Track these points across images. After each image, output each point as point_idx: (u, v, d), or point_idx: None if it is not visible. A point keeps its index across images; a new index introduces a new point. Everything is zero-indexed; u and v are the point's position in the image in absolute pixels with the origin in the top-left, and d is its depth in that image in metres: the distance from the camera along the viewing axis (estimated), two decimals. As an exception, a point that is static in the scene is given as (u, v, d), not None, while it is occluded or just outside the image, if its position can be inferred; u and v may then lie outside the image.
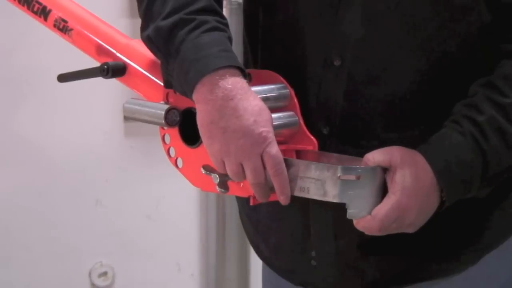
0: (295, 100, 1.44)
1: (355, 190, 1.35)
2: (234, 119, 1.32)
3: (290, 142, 1.45)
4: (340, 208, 1.39)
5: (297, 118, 1.44)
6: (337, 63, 1.46)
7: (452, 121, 1.40)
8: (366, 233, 1.39)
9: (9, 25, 2.90)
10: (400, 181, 1.35)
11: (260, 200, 1.39)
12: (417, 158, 1.38)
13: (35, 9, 1.69)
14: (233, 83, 1.33)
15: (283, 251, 1.62)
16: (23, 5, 1.71)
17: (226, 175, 1.39)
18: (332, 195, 1.35)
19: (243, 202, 1.66)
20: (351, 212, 1.36)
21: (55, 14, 1.66)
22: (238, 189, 1.41)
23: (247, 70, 1.47)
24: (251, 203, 1.45)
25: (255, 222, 1.66)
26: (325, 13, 1.46)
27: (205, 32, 1.36)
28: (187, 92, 1.36)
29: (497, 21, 1.41)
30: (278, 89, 1.45)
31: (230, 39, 1.39)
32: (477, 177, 1.39)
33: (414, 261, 1.53)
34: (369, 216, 1.36)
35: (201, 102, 1.34)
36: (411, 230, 1.39)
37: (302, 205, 1.47)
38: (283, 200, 1.37)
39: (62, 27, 1.65)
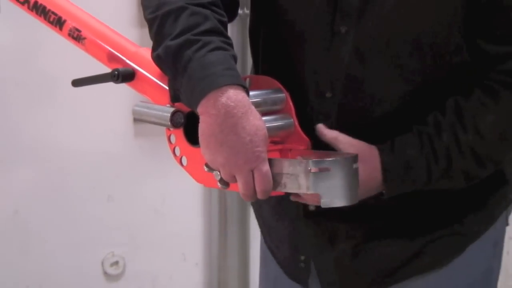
0: (291, 104, 1.44)
1: (326, 181, 1.34)
2: (232, 135, 1.32)
3: (286, 142, 1.44)
4: (334, 219, 1.44)
5: (292, 120, 1.44)
6: (328, 95, 1.48)
7: (418, 133, 1.44)
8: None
9: (27, 34, 2.90)
10: None
11: (247, 201, 1.40)
12: (374, 157, 1.43)
13: (51, 19, 1.68)
14: (235, 100, 1.32)
15: (280, 248, 1.65)
16: (40, 16, 1.70)
17: None
18: (305, 187, 1.34)
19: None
20: (324, 201, 1.35)
21: (69, 24, 1.65)
22: (237, 186, 1.40)
23: (248, 76, 1.47)
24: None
25: (260, 216, 1.68)
26: (319, 45, 1.47)
27: (210, 51, 1.35)
28: (193, 106, 1.36)
29: (475, 61, 1.44)
30: (275, 93, 1.45)
31: (234, 57, 1.38)
32: (418, 187, 1.45)
33: (407, 258, 1.54)
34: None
35: (204, 115, 1.33)
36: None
37: (295, 216, 1.51)
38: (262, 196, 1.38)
39: (76, 36, 1.64)
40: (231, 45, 1.40)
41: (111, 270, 3.32)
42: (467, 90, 1.45)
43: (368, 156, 1.42)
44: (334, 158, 1.35)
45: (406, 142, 1.44)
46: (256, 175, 1.33)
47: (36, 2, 1.71)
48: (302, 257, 1.60)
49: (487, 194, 1.55)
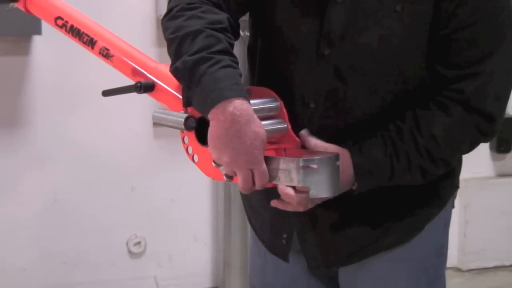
0: (284, 111, 1.43)
1: (314, 176, 1.35)
2: (236, 138, 1.31)
3: (280, 142, 1.44)
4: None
5: (285, 124, 1.44)
6: (312, 105, 1.48)
7: (381, 136, 1.45)
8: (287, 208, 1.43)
9: (65, 52, 2.90)
10: None
11: (245, 193, 1.40)
12: (346, 156, 1.43)
13: (85, 40, 1.67)
14: (241, 110, 1.31)
15: (264, 229, 1.65)
16: (75, 37, 1.69)
17: None
18: (296, 181, 1.35)
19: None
20: (312, 193, 1.36)
21: (100, 44, 1.64)
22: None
23: (249, 87, 1.47)
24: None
25: (249, 204, 1.68)
26: (307, 64, 1.48)
27: (221, 68, 1.35)
28: (204, 112, 1.35)
29: (433, 82, 1.46)
30: (271, 102, 1.45)
31: (240, 74, 1.38)
32: (382, 182, 1.46)
33: (376, 236, 1.54)
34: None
35: (214, 120, 1.33)
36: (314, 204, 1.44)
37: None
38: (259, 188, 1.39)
39: (105, 54, 1.63)
40: (237, 63, 1.40)
41: (134, 249, 3.32)
42: (424, 104, 1.46)
43: (340, 157, 1.41)
44: (321, 157, 1.36)
45: (372, 145, 1.45)
46: (255, 173, 1.34)
47: (72, 26, 1.70)
48: (284, 235, 1.60)
49: (439, 183, 1.56)
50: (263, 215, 1.63)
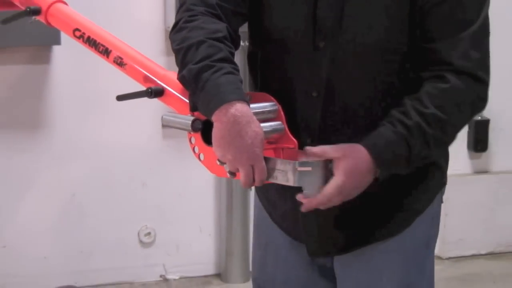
0: (282, 114, 1.43)
1: (308, 177, 1.36)
2: (238, 138, 1.32)
3: (278, 143, 1.44)
4: None
5: (283, 126, 1.43)
6: (314, 94, 1.47)
7: (388, 122, 1.41)
8: (319, 207, 1.39)
9: (82, 61, 2.89)
10: (341, 168, 1.37)
11: (246, 187, 1.40)
12: (358, 149, 1.39)
13: (100, 49, 1.67)
14: (241, 111, 1.32)
15: (285, 219, 1.61)
16: (92, 47, 1.69)
17: None
18: (292, 181, 1.36)
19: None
20: (305, 193, 1.37)
21: (114, 53, 1.64)
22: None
23: (249, 93, 1.47)
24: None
25: (267, 198, 1.65)
26: (305, 57, 1.47)
27: (223, 74, 1.35)
28: (208, 115, 1.35)
29: (417, 62, 1.44)
30: (270, 106, 1.45)
31: (240, 80, 1.38)
32: (403, 163, 1.41)
33: (370, 228, 1.54)
34: (320, 194, 1.37)
35: (217, 121, 1.33)
36: (351, 197, 1.40)
37: (292, 194, 1.47)
38: (258, 184, 1.38)
39: (119, 62, 1.63)
40: (238, 70, 1.39)
41: (145, 239, 3.31)
42: (417, 90, 1.43)
43: (355, 152, 1.38)
44: (315, 161, 1.37)
45: (379, 131, 1.40)
46: (255, 170, 1.34)
47: (89, 37, 1.71)
48: (302, 224, 1.57)
49: (428, 181, 1.55)
50: (281, 206, 1.60)
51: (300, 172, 1.35)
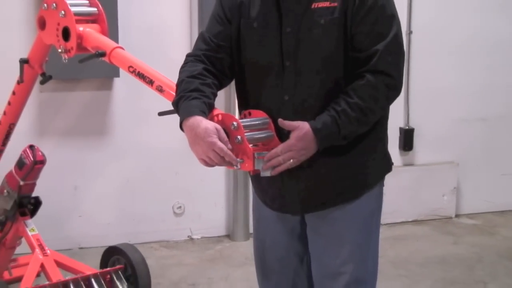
0: (272, 125, 1.43)
1: (262, 163, 1.39)
2: (196, 137, 1.36)
3: (269, 145, 1.43)
4: (303, 179, 1.43)
5: (273, 133, 1.43)
6: (286, 98, 1.46)
7: (327, 109, 1.42)
8: (283, 162, 1.40)
9: (134, 89, 2.87)
10: (293, 135, 1.40)
11: (229, 167, 1.40)
12: (306, 126, 1.40)
13: (147, 80, 1.68)
14: (194, 120, 1.37)
15: (274, 200, 1.58)
16: (141, 79, 1.70)
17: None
18: (252, 165, 1.38)
19: (253, 180, 1.62)
20: (262, 173, 1.39)
21: (156, 83, 1.65)
22: (244, 168, 1.39)
23: (251, 110, 1.46)
24: (252, 174, 1.46)
25: (260, 187, 1.61)
26: (276, 72, 1.46)
27: (191, 99, 1.41)
28: (181, 126, 1.41)
29: (352, 66, 1.44)
30: (264, 119, 1.44)
31: (205, 102, 1.41)
32: (335, 136, 1.41)
33: (334, 195, 1.51)
34: (276, 148, 1.39)
35: (186, 129, 1.39)
36: (300, 157, 1.40)
37: (278, 181, 1.47)
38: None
39: (160, 89, 1.63)
40: (205, 96, 1.42)
41: (177, 211, 3.29)
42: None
43: (304, 127, 1.39)
44: (268, 153, 1.39)
45: (321, 115, 1.41)
46: (216, 150, 1.34)
47: (139, 71, 1.71)
48: (287, 197, 1.55)
49: (378, 167, 1.53)
50: (270, 191, 1.58)
51: (257, 159, 1.38)
